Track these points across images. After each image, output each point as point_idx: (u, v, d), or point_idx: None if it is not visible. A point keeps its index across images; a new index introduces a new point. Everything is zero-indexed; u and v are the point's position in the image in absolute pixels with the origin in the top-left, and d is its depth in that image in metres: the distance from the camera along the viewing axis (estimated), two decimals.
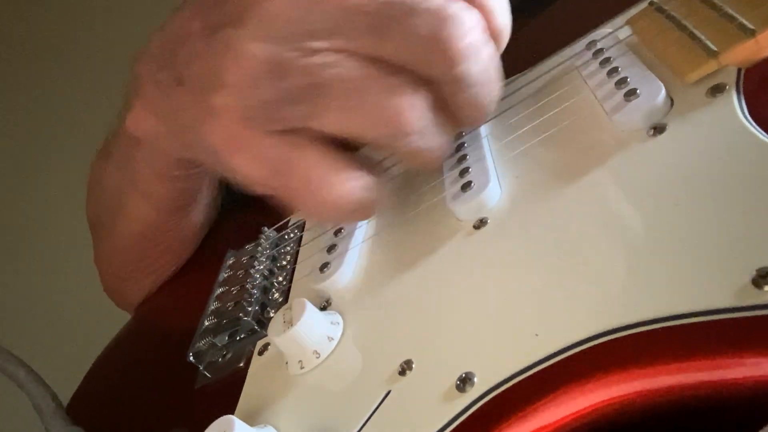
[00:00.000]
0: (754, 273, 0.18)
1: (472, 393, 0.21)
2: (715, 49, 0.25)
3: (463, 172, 0.30)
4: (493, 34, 0.27)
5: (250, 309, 0.33)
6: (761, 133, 0.22)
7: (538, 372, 0.20)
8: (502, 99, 0.34)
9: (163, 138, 0.31)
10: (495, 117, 0.33)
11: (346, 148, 0.27)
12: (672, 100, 0.26)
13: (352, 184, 0.25)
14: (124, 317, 0.48)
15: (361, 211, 0.27)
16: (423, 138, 0.26)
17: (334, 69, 0.23)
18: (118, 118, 0.38)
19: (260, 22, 0.24)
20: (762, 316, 0.17)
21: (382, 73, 0.24)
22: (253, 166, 0.25)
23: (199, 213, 0.45)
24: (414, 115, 0.25)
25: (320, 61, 0.23)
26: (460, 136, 0.33)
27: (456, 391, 0.21)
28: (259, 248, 0.38)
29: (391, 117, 0.24)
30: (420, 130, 0.25)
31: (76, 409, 0.37)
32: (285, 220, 0.41)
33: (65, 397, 0.36)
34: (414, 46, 0.24)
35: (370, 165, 0.27)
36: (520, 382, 0.20)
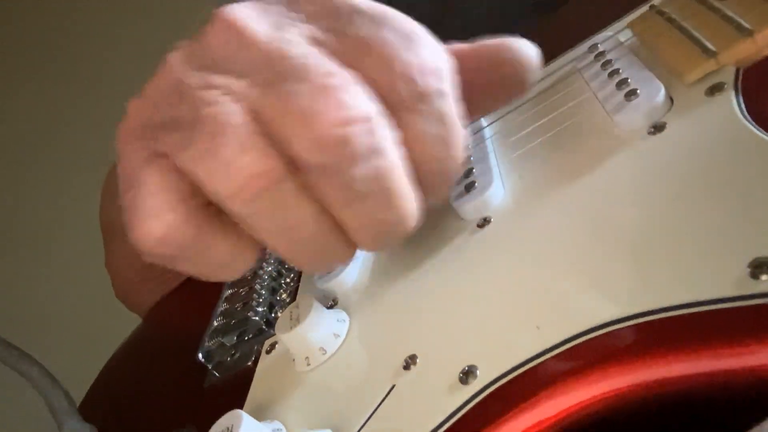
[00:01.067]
0: (751, 263, 0.18)
1: (475, 385, 0.21)
2: (714, 49, 0.25)
3: (468, 172, 0.30)
4: (421, 150, 0.22)
5: (258, 309, 0.34)
6: (758, 130, 0.22)
7: (540, 364, 0.21)
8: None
9: None
10: (500, 117, 0.34)
11: None
12: (672, 99, 0.26)
13: (169, 220, 0.22)
14: (135, 320, 0.48)
15: (168, 255, 0.23)
16: (262, 217, 0.22)
17: (212, 106, 0.21)
18: None
19: (193, 46, 0.23)
20: (759, 305, 0.18)
21: (251, 132, 0.21)
22: (120, 171, 0.24)
23: None
24: (261, 171, 0.21)
25: (209, 96, 0.21)
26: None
27: (459, 383, 0.22)
28: (267, 250, 0.39)
29: (231, 176, 0.21)
30: (261, 209, 0.21)
31: (89, 407, 0.38)
32: None
33: (77, 398, 0.37)
34: (288, 114, 0.21)
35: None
36: (522, 374, 0.21)
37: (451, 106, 0.23)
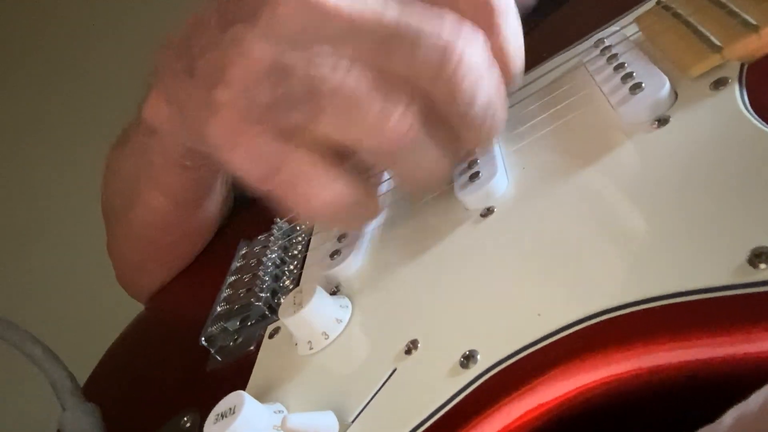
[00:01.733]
0: (750, 252, 0.18)
1: (475, 369, 0.22)
2: (719, 44, 0.25)
3: (472, 162, 0.30)
4: (503, 60, 0.27)
5: (261, 295, 0.34)
6: (762, 124, 0.22)
7: (539, 349, 0.21)
8: (512, 93, 0.35)
9: (175, 127, 0.31)
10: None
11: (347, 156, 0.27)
12: (676, 93, 0.26)
13: (339, 188, 0.25)
14: (137, 305, 0.49)
15: (352, 216, 0.27)
16: (415, 153, 0.26)
17: (334, 76, 0.24)
18: (138, 106, 0.39)
19: (271, 22, 0.24)
20: (757, 293, 0.18)
21: (381, 85, 0.24)
22: (249, 163, 0.25)
23: (212, 207, 0.46)
24: (406, 128, 0.25)
25: (322, 68, 0.24)
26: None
27: (460, 368, 0.22)
28: (272, 238, 0.39)
29: (383, 128, 0.24)
30: (413, 145, 0.25)
31: (92, 389, 0.38)
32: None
33: (81, 381, 0.37)
34: (418, 72, 0.25)
35: (365, 172, 0.28)
36: (521, 359, 0.21)
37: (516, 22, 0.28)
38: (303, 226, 0.39)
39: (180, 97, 0.29)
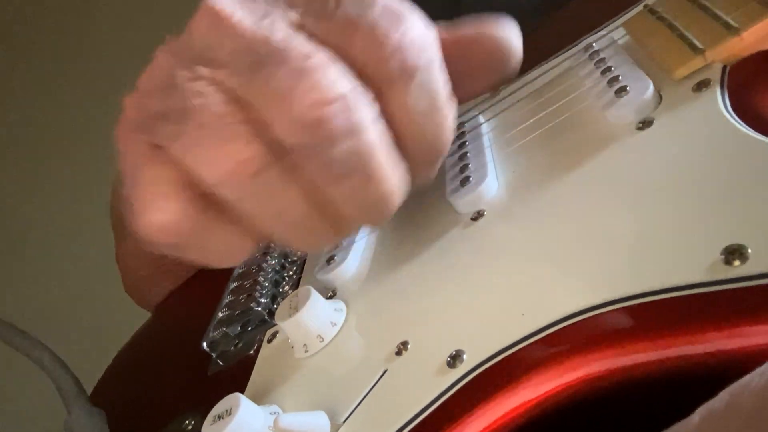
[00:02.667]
0: (724, 250, 0.19)
1: (461, 368, 0.22)
2: (701, 46, 0.26)
3: (463, 167, 0.31)
4: (400, 131, 0.23)
5: (261, 300, 0.35)
6: (741, 125, 0.23)
7: (524, 348, 0.21)
8: (504, 98, 0.36)
9: None
10: (497, 114, 0.35)
11: None
12: (661, 95, 0.27)
13: (168, 214, 0.23)
14: (144, 313, 0.50)
15: (170, 244, 0.23)
16: (268, 197, 0.22)
17: (199, 97, 0.22)
18: None
19: (183, 38, 0.24)
20: (731, 290, 0.18)
21: (235, 120, 0.22)
22: (122, 166, 0.24)
23: None
24: (242, 168, 0.21)
25: (195, 87, 0.22)
26: (461, 135, 0.35)
27: (447, 367, 0.23)
28: (272, 245, 0.40)
29: (217, 164, 0.22)
30: (250, 195, 0.22)
31: (101, 394, 0.39)
32: None
33: (88, 388, 0.38)
34: (268, 98, 0.21)
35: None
36: (506, 357, 0.22)
37: (439, 81, 0.23)
38: None
39: None
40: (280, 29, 0.22)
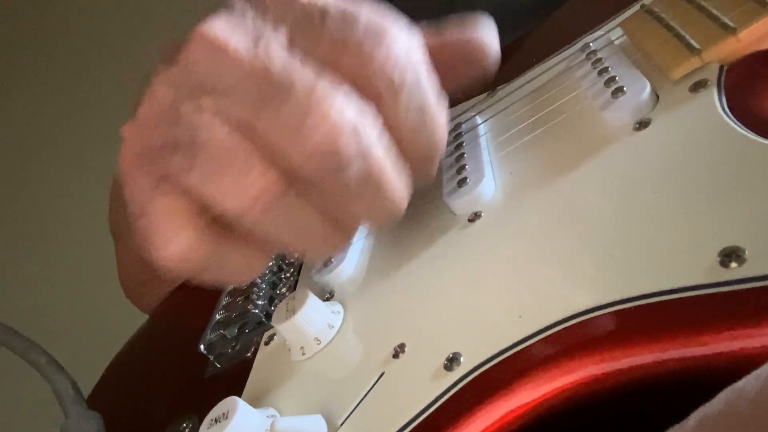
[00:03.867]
0: (721, 252, 0.19)
1: (459, 371, 0.22)
2: (698, 47, 0.26)
3: (460, 168, 0.31)
4: (399, 137, 0.24)
5: (258, 303, 0.35)
6: (737, 125, 0.23)
7: (521, 351, 0.21)
8: (501, 99, 0.36)
9: None
10: (494, 116, 0.35)
11: None
12: (658, 96, 0.27)
13: (177, 243, 0.23)
14: (142, 316, 0.49)
15: (183, 269, 0.24)
16: (284, 218, 0.23)
17: (207, 130, 0.22)
18: None
19: (180, 67, 0.24)
20: (728, 292, 0.18)
21: (248, 151, 0.22)
22: (129, 198, 0.25)
23: None
24: (262, 198, 0.22)
25: (200, 119, 0.23)
26: (458, 136, 0.35)
27: (444, 370, 0.22)
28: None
29: (238, 196, 0.22)
30: (275, 209, 0.23)
31: (98, 398, 0.39)
32: None
33: (85, 391, 0.38)
34: (280, 131, 0.22)
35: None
36: (503, 360, 0.21)
37: (427, 88, 0.24)
38: None
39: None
40: (277, 55, 0.22)
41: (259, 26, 0.23)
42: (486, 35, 0.27)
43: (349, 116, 0.22)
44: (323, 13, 0.23)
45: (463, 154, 0.32)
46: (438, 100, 0.24)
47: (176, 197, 0.23)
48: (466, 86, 0.28)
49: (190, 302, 0.46)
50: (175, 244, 0.23)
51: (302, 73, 0.22)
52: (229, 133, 0.22)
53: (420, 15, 0.26)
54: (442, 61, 0.26)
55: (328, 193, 0.23)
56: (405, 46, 0.23)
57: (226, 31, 0.23)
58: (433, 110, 0.24)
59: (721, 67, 0.25)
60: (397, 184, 0.24)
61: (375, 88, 0.23)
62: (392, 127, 0.23)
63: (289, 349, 0.29)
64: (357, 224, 0.25)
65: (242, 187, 0.22)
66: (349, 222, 0.25)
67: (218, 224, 0.24)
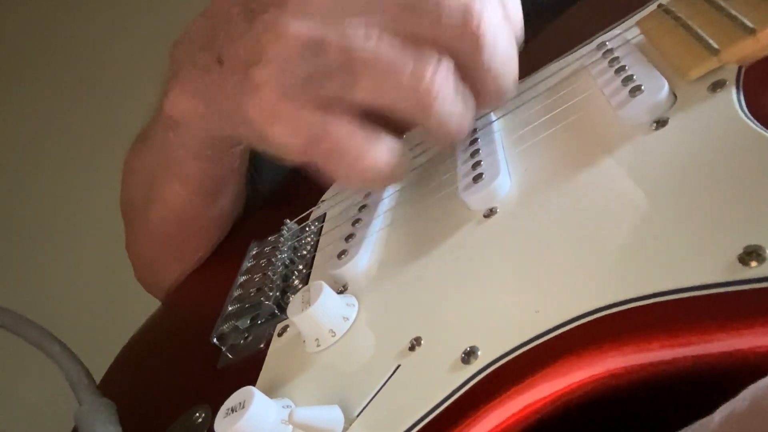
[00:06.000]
0: (741, 250, 0.19)
1: (476, 365, 0.22)
2: (717, 47, 0.26)
3: (476, 164, 0.31)
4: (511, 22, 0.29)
5: (271, 294, 0.35)
6: (757, 126, 0.23)
7: (538, 345, 0.21)
8: (516, 96, 0.36)
9: (201, 116, 0.33)
10: (509, 112, 0.35)
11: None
12: (675, 95, 0.27)
13: (382, 150, 0.28)
14: (152, 305, 0.50)
15: (391, 175, 0.29)
16: (447, 105, 0.27)
17: (366, 45, 0.26)
18: (157, 104, 0.40)
19: (300, 3, 0.26)
20: (748, 290, 0.18)
21: (410, 48, 0.26)
22: (291, 136, 0.27)
23: (228, 201, 0.47)
24: (440, 82, 0.27)
25: (354, 39, 0.26)
26: (474, 132, 0.35)
27: (461, 363, 0.23)
28: (281, 239, 0.40)
29: (418, 86, 0.26)
30: (445, 97, 0.27)
31: (108, 386, 0.40)
32: (307, 213, 0.43)
33: (97, 378, 0.38)
34: (444, 32, 0.27)
35: (396, 132, 0.29)
36: (520, 354, 0.22)
37: (506, 43, 0.29)
38: (312, 227, 0.40)
39: (208, 87, 0.31)
40: None
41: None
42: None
43: (498, 13, 0.28)
44: None
45: (479, 150, 0.32)
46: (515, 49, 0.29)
47: (349, 116, 0.27)
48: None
49: (200, 292, 0.47)
50: (369, 158, 0.27)
51: None
52: (390, 43, 0.26)
53: None
54: None
55: (478, 78, 0.28)
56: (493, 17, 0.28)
57: None
58: (510, 57, 0.29)
59: (740, 68, 0.26)
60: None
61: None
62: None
63: (304, 341, 0.29)
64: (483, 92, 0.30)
65: (420, 82, 0.26)
66: (478, 108, 0.30)
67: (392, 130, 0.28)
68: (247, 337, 0.34)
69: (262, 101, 0.27)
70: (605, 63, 0.31)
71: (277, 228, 0.42)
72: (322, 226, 0.39)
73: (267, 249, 0.40)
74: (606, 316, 0.21)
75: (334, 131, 0.27)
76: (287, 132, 0.27)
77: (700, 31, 0.27)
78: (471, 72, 0.28)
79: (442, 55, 0.27)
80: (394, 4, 0.26)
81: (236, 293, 0.38)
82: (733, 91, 0.25)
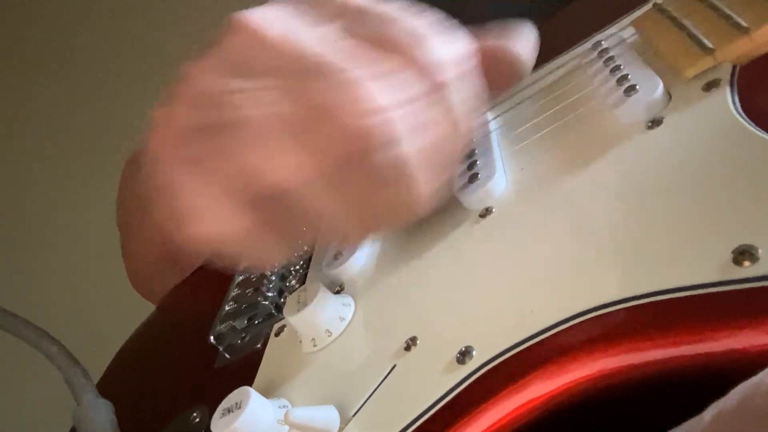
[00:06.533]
0: (734, 250, 0.19)
1: (471, 365, 0.22)
2: (711, 46, 0.26)
3: (471, 164, 0.31)
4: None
5: (268, 294, 0.35)
6: (750, 125, 0.23)
7: (533, 345, 0.22)
8: (512, 95, 0.36)
9: None
10: (505, 112, 0.35)
11: None
12: (670, 95, 0.27)
13: (207, 223, 0.24)
14: (149, 308, 0.50)
15: (219, 249, 0.25)
16: (315, 200, 0.24)
17: (247, 110, 0.23)
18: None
19: (219, 51, 0.25)
20: (741, 290, 0.18)
21: (287, 131, 0.23)
22: (162, 179, 0.25)
23: None
24: (301, 172, 0.23)
25: (239, 101, 0.23)
26: None
27: (456, 363, 0.23)
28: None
29: (283, 166, 0.23)
30: (311, 189, 0.23)
31: (106, 386, 0.40)
32: None
33: (94, 379, 0.38)
34: (312, 111, 0.23)
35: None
36: (516, 354, 0.22)
37: (460, 95, 0.24)
38: None
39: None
40: (313, 43, 0.23)
41: (297, 18, 0.24)
42: (521, 46, 0.27)
43: (382, 100, 0.22)
44: (361, 10, 0.24)
45: (475, 149, 0.32)
46: (471, 105, 0.25)
47: (211, 176, 0.24)
48: (493, 93, 0.28)
49: (197, 293, 0.47)
50: (210, 222, 0.24)
51: (335, 56, 0.23)
52: (269, 111, 0.23)
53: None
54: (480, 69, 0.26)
55: (355, 180, 0.24)
56: (444, 46, 0.24)
57: (265, 19, 0.24)
58: (461, 115, 0.25)
59: (734, 67, 0.26)
60: (421, 180, 0.24)
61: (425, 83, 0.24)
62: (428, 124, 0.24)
63: (300, 341, 0.29)
64: (376, 223, 0.26)
65: (283, 162, 0.23)
66: (371, 217, 0.25)
67: (249, 206, 0.24)
68: (244, 337, 0.35)
69: (154, 137, 0.25)
70: (601, 62, 0.31)
71: None
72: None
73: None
74: (600, 315, 0.21)
75: (178, 190, 0.25)
76: (156, 172, 0.25)
77: (694, 31, 0.27)
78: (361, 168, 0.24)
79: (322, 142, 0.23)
80: (294, 73, 0.23)
81: (233, 293, 0.38)
82: (728, 90, 0.25)
